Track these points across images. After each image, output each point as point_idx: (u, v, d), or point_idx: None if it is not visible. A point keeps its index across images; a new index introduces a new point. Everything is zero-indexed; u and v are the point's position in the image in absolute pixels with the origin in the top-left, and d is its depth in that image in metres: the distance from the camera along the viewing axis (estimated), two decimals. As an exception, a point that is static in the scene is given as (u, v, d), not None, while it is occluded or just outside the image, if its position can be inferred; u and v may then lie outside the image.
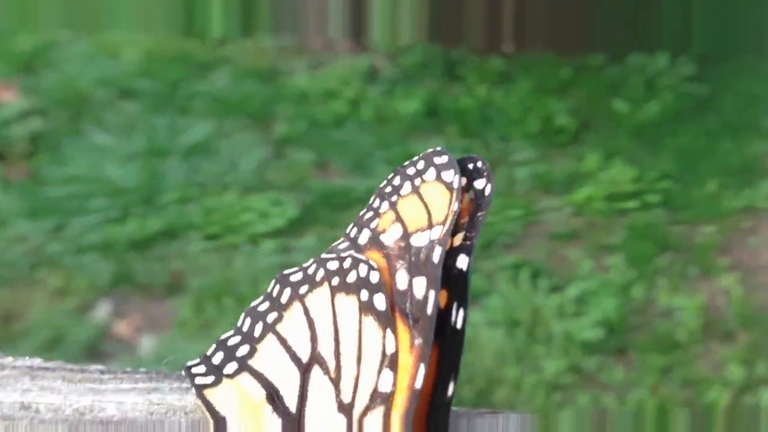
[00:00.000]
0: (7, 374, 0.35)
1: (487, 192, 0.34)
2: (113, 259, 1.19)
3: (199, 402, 0.35)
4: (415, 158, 0.34)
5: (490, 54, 1.57)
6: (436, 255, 0.32)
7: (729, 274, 1.22)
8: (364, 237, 0.35)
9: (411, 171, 0.34)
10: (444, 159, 0.34)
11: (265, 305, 0.36)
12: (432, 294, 0.32)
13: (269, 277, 1.09)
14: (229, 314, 1.11)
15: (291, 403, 0.34)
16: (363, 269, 0.34)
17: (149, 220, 1.25)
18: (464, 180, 0.34)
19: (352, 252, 0.35)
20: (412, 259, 0.33)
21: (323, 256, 0.35)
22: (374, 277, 0.33)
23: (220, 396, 0.35)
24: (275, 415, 0.33)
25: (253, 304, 0.36)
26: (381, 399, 0.32)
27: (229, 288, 1.16)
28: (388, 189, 0.35)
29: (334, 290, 0.34)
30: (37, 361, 0.36)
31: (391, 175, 0.35)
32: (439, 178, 0.34)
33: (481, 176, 0.34)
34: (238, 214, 1.26)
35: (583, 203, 1.32)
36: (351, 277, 0.34)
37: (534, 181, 1.37)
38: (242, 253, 1.22)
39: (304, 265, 0.35)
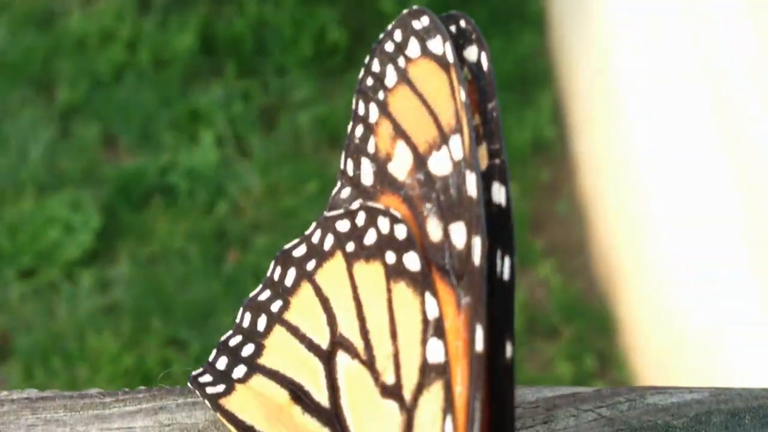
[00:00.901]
0: (7, 410, 0.33)
1: (484, 65, 0.27)
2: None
3: (219, 415, 0.31)
4: (390, 27, 0.28)
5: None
6: (471, 186, 0.26)
7: (546, 261, 1.26)
8: (367, 173, 0.29)
9: (390, 47, 0.28)
10: (425, 21, 0.27)
11: (266, 293, 0.31)
12: (477, 241, 0.26)
13: (93, 326, 1.16)
14: (59, 378, 1.17)
15: (321, 397, 0.29)
16: (384, 224, 0.28)
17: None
18: None
19: (362, 202, 0.29)
20: (441, 197, 0.27)
21: (327, 214, 0.29)
22: (401, 232, 0.27)
23: (237, 404, 0.31)
24: (308, 415, 0.29)
25: (252, 294, 0.31)
26: (435, 371, 0.27)
27: (55, 345, 1.20)
28: (369, 81, 0.28)
29: (349, 259, 0.29)
30: (33, 392, 0.34)
31: (368, 58, 0.28)
32: (426, 51, 0.27)
33: (469, 41, 0.27)
34: (43, 229, 1.30)
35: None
36: (370, 238, 0.28)
37: (318, 128, 1.42)
38: (62, 295, 1.26)
39: (307, 232, 0.30)
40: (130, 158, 1.40)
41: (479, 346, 0.25)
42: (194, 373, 0.32)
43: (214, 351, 0.32)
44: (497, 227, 0.26)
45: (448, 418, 0.26)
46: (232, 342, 0.31)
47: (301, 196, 1.34)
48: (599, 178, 1.28)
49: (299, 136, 1.41)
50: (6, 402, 0.33)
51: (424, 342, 0.27)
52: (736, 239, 1.01)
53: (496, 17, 1.49)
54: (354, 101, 0.28)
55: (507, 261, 0.27)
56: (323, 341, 0.29)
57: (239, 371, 0.31)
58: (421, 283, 0.27)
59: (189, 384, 0.32)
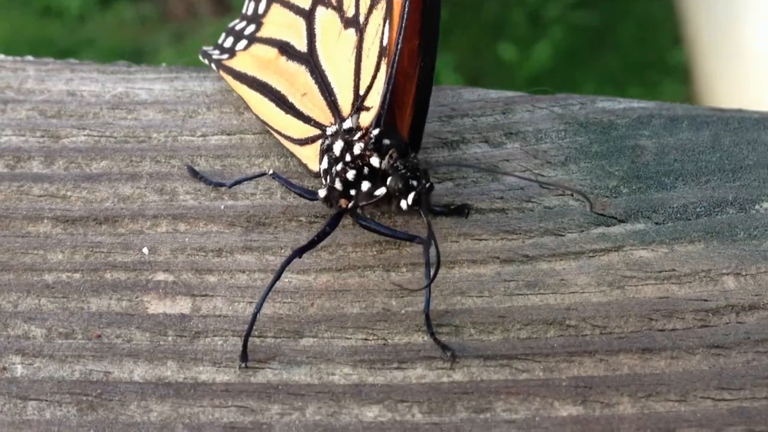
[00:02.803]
0: (51, 68, 0.41)
1: None
2: None
3: (221, 72, 0.40)
4: None
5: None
6: None
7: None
8: None
9: None
10: None
11: None
12: None
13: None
14: None
15: (302, 45, 0.37)
16: None
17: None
18: None
19: None
20: None
21: None
22: None
23: (236, 63, 0.40)
24: (290, 61, 0.38)
25: None
26: None
27: None
28: None
29: None
30: (73, 60, 0.42)
31: None
32: None
33: None
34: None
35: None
36: None
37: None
38: None
39: None
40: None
41: None
42: (204, 48, 0.42)
43: (222, 34, 0.42)
44: None
45: (387, 22, 0.33)
46: (238, 27, 0.41)
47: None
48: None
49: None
50: (50, 63, 0.42)
51: None
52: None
53: (629, 63, 1.35)
54: None
55: None
56: (307, 4, 0.38)
57: (241, 44, 0.40)
58: None
59: (199, 56, 0.42)
